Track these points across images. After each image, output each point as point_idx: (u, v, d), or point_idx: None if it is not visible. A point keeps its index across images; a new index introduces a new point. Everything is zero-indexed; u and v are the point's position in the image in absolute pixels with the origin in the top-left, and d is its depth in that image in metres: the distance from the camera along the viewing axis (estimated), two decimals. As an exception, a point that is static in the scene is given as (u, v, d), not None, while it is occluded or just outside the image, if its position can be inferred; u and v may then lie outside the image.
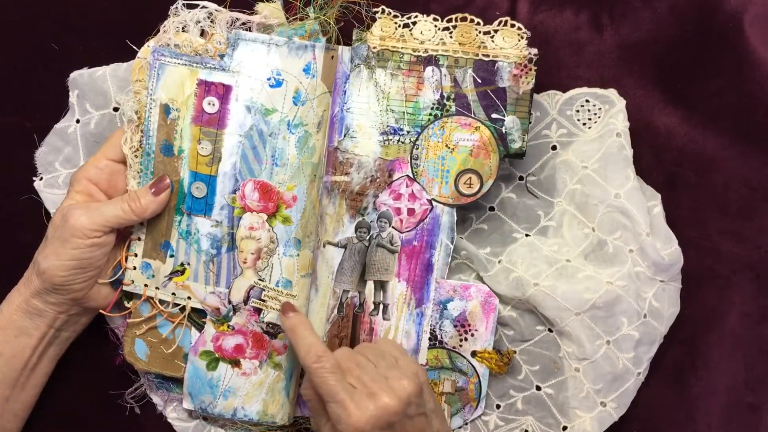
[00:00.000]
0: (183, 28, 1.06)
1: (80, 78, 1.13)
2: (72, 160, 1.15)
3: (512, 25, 1.06)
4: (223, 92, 1.05)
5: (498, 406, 1.14)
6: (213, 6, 1.06)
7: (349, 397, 0.96)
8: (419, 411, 0.99)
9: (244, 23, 1.07)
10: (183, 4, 1.05)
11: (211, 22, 1.06)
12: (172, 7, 1.05)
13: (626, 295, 1.09)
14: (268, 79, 1.05)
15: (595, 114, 1.11)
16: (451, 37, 1.07)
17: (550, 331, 1.13)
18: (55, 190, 1.14)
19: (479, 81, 1.06)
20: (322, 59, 1.06)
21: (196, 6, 1.06)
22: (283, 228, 1.07)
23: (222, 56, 1.05)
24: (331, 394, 0.97)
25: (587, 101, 1.11)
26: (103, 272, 1.07)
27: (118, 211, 1.03)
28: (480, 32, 1.07)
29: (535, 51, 1.06)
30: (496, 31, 1.06)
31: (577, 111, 1.11)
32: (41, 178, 1.15)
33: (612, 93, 1.11)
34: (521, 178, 1.13)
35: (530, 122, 1.09)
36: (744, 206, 1.14)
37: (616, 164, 1.09)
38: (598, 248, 1.11)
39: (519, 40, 1.06)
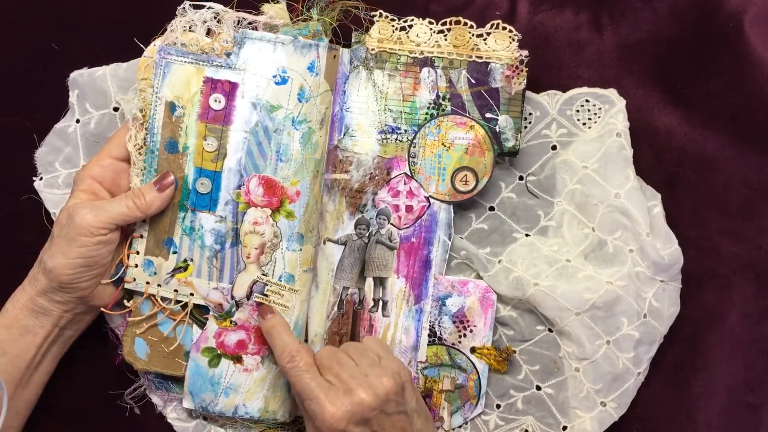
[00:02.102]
0: (189, 28, 1.12)
1: (80, 78, 1.20)
2: (72, 160, 1.21)
3: (504, 28, 1.14)
4: (230, 89, 1.12)
5: (498, 406, 1.22)
6: (219, 6, 1.12)
7: (324, 393, 1.04)
8: (399, 409, 1.07)
9: (250, 23, 1.13)
10: (190, 5, 1.12)
11: (218, 22, 1.13)
12: (179, 7, 1.11)
13: (626, 295, 1.15)
14: (274, 76, 1.12)
15: (595, 114, 1.18)
16: (445, 39, 1.16)
17: (550, 331, 1.21)
18: (55, 190, 1.21)
19: (473, 81, 1.16)
20: (325, 58, 1.13)
21: (203, 6, 1.12)
22: (287, 223, 1.13)
23: (228, 54, 1.12)
24: (306, 391, 1.05)
25: (587, 101, 1.18)
26: (107, 272, 1.13)
27: (123, 209, 1.09)
28: (473, 35, 1.15)
29: (525, 53, 1.14)
30: (488, 33, 1.15)
31: (577, 111, 1.19)
32: (41, 178, 1.21)
33: (612, 93, 1.18)
34: (521, 178, 1.21)
35: (526, 120, 1.16)
36: (744, 206, 1.21)
37: (616, 164, 1.16)
38: (598, 248, 1.18)
39: (510, 43, 1.14)
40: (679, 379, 1.23)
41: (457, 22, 1.16)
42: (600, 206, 1.18)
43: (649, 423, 1.23)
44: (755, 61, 1.21)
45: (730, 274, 1.22)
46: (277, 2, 1.16)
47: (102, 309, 1.16)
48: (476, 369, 1.20)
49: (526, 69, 1.14)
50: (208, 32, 1.14)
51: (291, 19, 1.16)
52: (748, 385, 1.23)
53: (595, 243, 1.19)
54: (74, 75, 1.21)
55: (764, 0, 1.20)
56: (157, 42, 1.13)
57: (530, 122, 1.20)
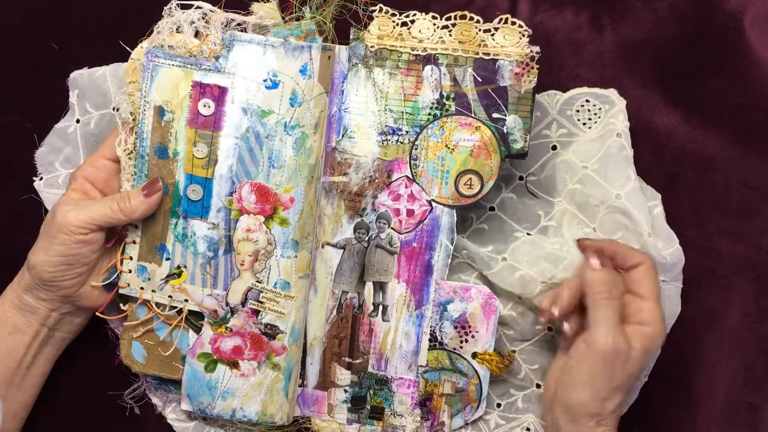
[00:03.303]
0: (177, 29, 1.03)
1: (80, 78, 1.10)
2: (72, 160, 1.12)
3: (513, 23, 1.03)
4: (219, 94, 1.02)
5: (498, 405, 1.10)
6: (207, 6, 1.03)
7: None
8: None
9: (239, 24, 1.04)
10: (177, 5, 1.03)
11: (206, 22, 1.03)
12: (165, 8, 1.02)
13: None
14: (264, 80, 1.02)
15: (596, 114, 1.07)
16: (450, 35, 1.04)
17: (550, 330, 1.09)
18: (55, 190, 1.12)
19: (479, 80, 1.03)
20: (319, 60, 1.03)
21: (191, 6, 1.03)
22: (281, 230, 1.04)
23: (217, 57, 1.02)
24: (659, 293, 0.98)
25: (587, 101, 1.08)
26: (95, 273, 1.04)
27: (107, 210, 1.00)
28: (480, 30, 1.03)
29: (537, 49, 1.02)
30: (496, 29, 1.03)
31: (578, 111, 1.08)
32: (41, 178, 1.12)
33: (612, 93, 1.07)
34: (521, 178, 1.10)
35: (532, 122, 1.06)
36: (744, 206, 1.09)
37: (616, 164, 1.06)
38: None
39: (520, 38, 1.03)
40: (679, 378, 1.11)
41: (463, 17, 1.04)
42: (601, 207, 1.06)
43: (649, 423, 1.11)
44: (755, 61, 1.09)
45: (730, 274, 1.10)
46: (268, 1, 1.06)
47: (97, 314, 1.06)
48: (477, 374, 1.07)
49: (537, 66, 1.03)
50: (197, 34, 1.04)
51: (283, 18, 1.06)
52: (748, 385, 1.10)
53: (600, 242, 1.11)
54: (74, 75, 1.11)
55: (764, 0, 1.09)
56: (144, 44, 1.04)
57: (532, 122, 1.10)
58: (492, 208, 1.10)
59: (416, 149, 1.04)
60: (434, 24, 1.03)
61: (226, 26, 1.03)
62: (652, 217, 1.05)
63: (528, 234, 1.09)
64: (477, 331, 1.06)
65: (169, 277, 1.04)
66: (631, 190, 1.04)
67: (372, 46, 1.04)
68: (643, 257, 0.98)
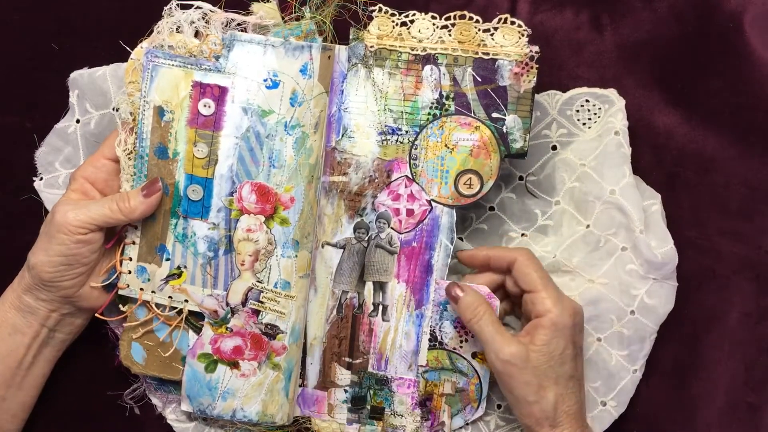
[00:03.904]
0: (177, 29, 1.02)
1: (80, 78, 1.10)
2: (72, 160, 1.12)
3: (512, 23, 1.02)
4: (219, 94, 1.01)
5: (499, 406, 1.10)
6: (207, 6, 1.02)
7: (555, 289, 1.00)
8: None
9: (239, 24, 1.03)
10: (177, 5, 1.02)
11: (206, 22, 1.02)
12: (165, 8, 1.01)
13: (608, 292, 1.06)
14: (265, 80, 1.02)
15: (595, 114, 1.07)
16: (449, 35, 1.03)
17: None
18: (55, 190, 1.11)
19: (479, 79, 1.02)
20: (319, 59, 1.03)
21: (191, 6, 1.02)
22: (281, 229, 1.03)
23: (217, 57, 1.01)
24: (545, 279, 0.99)
25: (587, 101, 1.07)
26: (95, 274, 1.04)
27: (106, 210, 0.99)
28: (479, 30, 1.03)
29: (536, 48, 1.02)
30: (495, 28, 1.03)
31: (577, 111, 1.08)
32: (41, 178, 1.12)
33: (612, 93, 1.07)
34: (521, 178, 1.09)
35: (532, 121, 1.05)
36: (744, 206, 1.09)
37: (613, 161, 1.06)
38: (594, 245, 1.07)
39: (520, 38, 1.02)
40: (679, 379, 1.11)
41: (462, 17, 1.03)
42: (597, 203, 1.06)
43: (649, 423, 1.11)
44: (755, 61, 1.08)
45: (730, 274, 1.10)
46: (268, 1, 1.05)
47: (97, 315, 1.06)
48: (477, 373, 1.07)
49: (537, 66, 1.02)
50: (197, 34, 1.03)
51: (282, 18, 1.05)
52: (748, 385, 1.10)
53: (590, 240, 1.08)
54: (74, 75, 1.11)
55: (764, 0, 1.08)
56: (144, 44, 1.03)
57: (532, 122, 1.09)
58: (492, 208, 1.10)
59: (416, 149, 1.04)
60: (434, 24, 1.03)
61: (226, 26, 1.02)
62: (649, 215, 1.05)
63: (523, 234, 1.09)
64: (477, 331, 1.08)
65: (169, 277, 1.03)
66: (625, 186, 1.05)
67: (371, 46, 1.03)
68: (515, 253, 1.01)
